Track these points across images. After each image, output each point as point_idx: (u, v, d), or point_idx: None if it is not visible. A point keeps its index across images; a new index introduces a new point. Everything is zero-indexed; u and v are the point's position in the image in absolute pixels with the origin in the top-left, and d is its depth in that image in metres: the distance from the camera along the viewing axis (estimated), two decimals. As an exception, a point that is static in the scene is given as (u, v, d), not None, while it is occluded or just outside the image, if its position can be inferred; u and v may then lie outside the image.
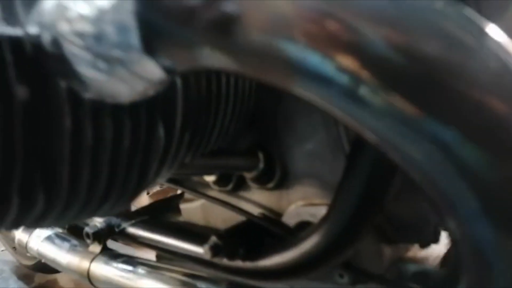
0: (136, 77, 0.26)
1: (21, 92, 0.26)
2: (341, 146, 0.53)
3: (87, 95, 0.30)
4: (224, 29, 0.18)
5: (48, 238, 0.88)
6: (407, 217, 0.54)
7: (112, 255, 0.77)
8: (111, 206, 0.39)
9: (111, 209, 0.39)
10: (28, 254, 0.93)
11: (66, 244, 0.84)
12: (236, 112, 0.50)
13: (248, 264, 0.58)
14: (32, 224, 0.34)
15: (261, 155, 0.59)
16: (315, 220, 0.57)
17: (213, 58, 0.20)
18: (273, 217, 0.63)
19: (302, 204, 0.60)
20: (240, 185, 0.66)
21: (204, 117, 0.45)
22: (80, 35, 0.25)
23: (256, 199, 0.65)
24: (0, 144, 0.26)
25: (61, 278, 1.63)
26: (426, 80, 0.16)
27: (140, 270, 0.72)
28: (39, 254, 0.88)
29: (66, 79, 0.28)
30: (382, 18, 0.16)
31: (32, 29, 0.27)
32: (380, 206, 0.44)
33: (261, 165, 0.59)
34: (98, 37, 0.25)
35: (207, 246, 0.57)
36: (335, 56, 0.16)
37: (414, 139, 0.18)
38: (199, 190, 0.69)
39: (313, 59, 0.17)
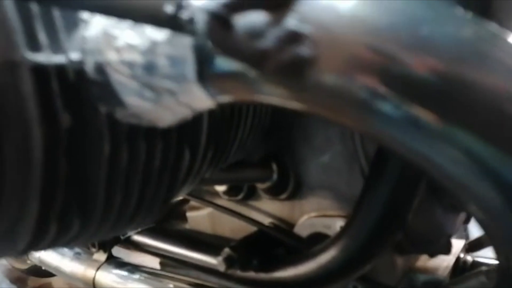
0: (183, 106, 0.27)
1: (65, 119, 0.27)
2: (357, 158, 0.54)
3: (127, 120, 0.30)
4: (296, 71, 0.19)
5: (49, 245, 0.87)
6: (422, 228, 0.55)
7: (117, 264, 0.77)
8: (139, 222, 0.39)
9: (139, 226, 0.40)
10: (28, 261, 0.92)
11: (70, 252, 0.84)
12: (254, 125, 0.50)
13: (261, 276, 0.58)
14: (64, 244, 0.34)
15: (274, 166, 0.60)
16: (329, 231, 0.58)
17: (276, 96, 0.21)
18: (285, 228, 0.64)
19: (316, 215, 0.61)
20: (250, 195, 0.66)
21: (226, 133, 0.46)
22: (128, 64, 0.26)
23: (267, 209, 0.66)
24: (45, 173, 0.26)
25: (55, 281, 1.62)
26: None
27: (146, 279, 0.72)
28: (41, 261, 0.88)
29: (108, 105, 0.29)
30: (460, 60, 0.17)
31: (75, 56, 0.27)
32: (402, 221, 0.45)
33: (275, 176, 0.60)
34: (148, 68, 0.25)
35: (220, 258, 0.58)
36: (415, 101, 0.17)
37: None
38: (207, 198, 0.69)
39: (392, 103, 0.18)
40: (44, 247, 0.32)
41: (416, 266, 0.65)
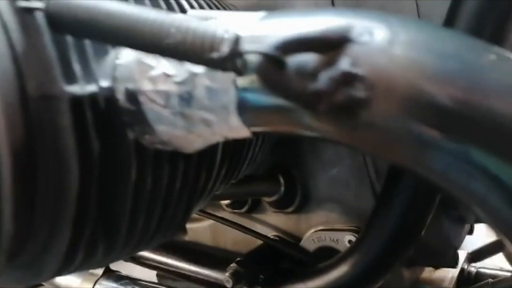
0: (217, 135, 0.27)
1: (97, 146, 0.27)
2: (367, 172, 0.55)
3: (153, 146, 0.30)
4: (348, 112, 0.19)
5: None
6: (431, 240, 0.56)
7: (115, 277, 0.77)
8: (157, 242, 0.39)
9: (156, 244, 0.40)
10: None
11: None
12: (265, 141, 0.51)
13: (270, 292, 0.59)
14: (85, 269, 0.34)
15: (282, 179, 0.60)
16: (338, 246, 0.59)
17: (323, 132, 0.22)
18: (291, 241, 0.64)
19: (323, 229, 0.61)
20: (254, 207, 0.67)
21: (239, 150, 0.46)
22: (163, 94, 0.26)
23: (272, 222, 0.67)
24: (78, 201, 0.26)
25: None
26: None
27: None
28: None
29: (137, 132, 0.29)
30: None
31: (105, 83, 0.27)
32: (415, 237, 0.47)
33: (282, 189, 0.60)
34: (185, 98, 0.25)
35: (227, 274, 0.58)
36: (474, 141, 0.18)
37: None
38: (210, 211, 0.70)
39: (446, 143, 0.18)
40: (68, 273, 0.32)
41: (422, 278, 0.66)
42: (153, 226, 0.36)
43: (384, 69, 0.19)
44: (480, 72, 0.18)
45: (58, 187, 0.25)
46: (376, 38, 0.19)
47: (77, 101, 0.25)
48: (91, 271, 0.79)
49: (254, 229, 0.65)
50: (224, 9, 0.43)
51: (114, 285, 0.76)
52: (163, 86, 0.26)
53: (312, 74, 0.20)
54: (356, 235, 0.57)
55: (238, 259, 0.60)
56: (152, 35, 0.21)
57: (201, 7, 0.36)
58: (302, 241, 0.63)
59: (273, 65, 0.19)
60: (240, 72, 0.20)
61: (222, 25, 0.20)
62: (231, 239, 0.72)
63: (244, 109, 0.24)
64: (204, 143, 0.29)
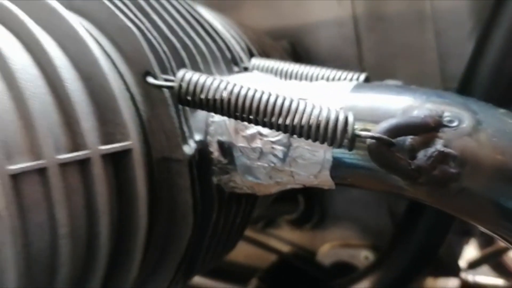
0: (298, 184, 0.33)
1: (198, 198, 0.31)
2: (385, 194, 0.61)
3: (231, 190, 0.35)
4: (442, 183, 0.25)
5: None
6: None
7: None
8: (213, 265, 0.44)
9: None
10: None
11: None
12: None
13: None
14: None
15: (301, 198, 0.66)
16: (354, 261, 0.65)
17: (414, 196, 0.27)
18: (306, 256, 0.70)
19: (338, 244, 0.68)
20: (270, 223, 0.72)
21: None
22: (257, 150, 0.31)
23: (287, 237, 0.72)
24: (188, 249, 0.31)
25: None
26: None
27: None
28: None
29: (222, 179, 0.34)
30: None
31: (199, 137, 0.32)
32: (433, 258, 0.53)
33: (301, 208, 0.66)
34: (280, 156, 0.30)
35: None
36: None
37: None
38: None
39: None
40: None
41: (426, 287, 0.74)
42: (216, 256, 0.41)
43: (473, 151, 0.25)
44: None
45: (173, 241, 0.30)
46: (463, 124, 0.25)
47: (190, 161, 0.29)
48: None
49: (269, 243, 0.70)
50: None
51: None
52: (258, 144, 0.31)
53: (411, 152, 0.25)
54: (372, 251, 0.64)
55: (259, 274, 0.65)
56: (277, 116, 0.26)
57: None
58: (318, 256, 0.69)
59: (383, 145, 0.25)
60: (351, 148, 0.26)
61: (335, 109, 0.26)
62: (242, 253, 0.77)
63: (338, 168, 0.29)
64: (281, 189, 0.34)
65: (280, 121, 0.26)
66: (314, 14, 0.61)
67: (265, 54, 0.52)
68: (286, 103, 0.26)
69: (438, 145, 0.25)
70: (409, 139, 0.25)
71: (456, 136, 0.25)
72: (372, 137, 0.25)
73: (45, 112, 0.24)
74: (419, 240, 0.53)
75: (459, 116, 0.26)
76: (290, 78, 0.36)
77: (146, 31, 0.30)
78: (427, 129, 0.25)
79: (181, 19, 0.37)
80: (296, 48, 0.63)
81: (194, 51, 0.34)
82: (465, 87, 0.47)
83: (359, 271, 0.61)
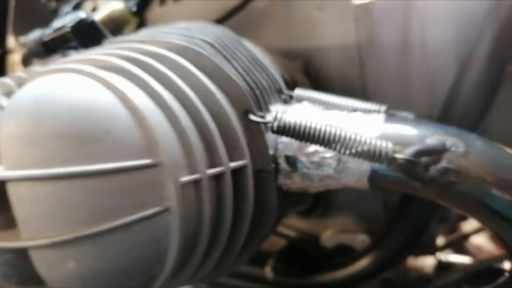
0: (340, 185, 0.47)
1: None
2: (379, 189, 0.77)
3: (287, 189, 0.49)
4: (446, 187, 0.40)
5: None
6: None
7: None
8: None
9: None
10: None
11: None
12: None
13: (299, 281, 0.80)
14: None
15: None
16: (352, 243, 0.81)
17: (427, 195, 0.42)
18: (311, 240, 0.86)
19: (338, 230, 0.83)
20: (279, 213, 0.87)
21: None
22: (315, 163, 0.45)
23: (294, 224, 0.87)
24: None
25: None
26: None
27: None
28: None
29: (285, 183, 0.48)
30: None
31: (271, 152, 0.46)
32: (420, 239, 0.70)
33: (310, 200, 0.81)
34: (332, 168, 0.45)
35: (268, 268, 0.78)
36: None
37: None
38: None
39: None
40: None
41: (408, 265, 0.91)
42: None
43: (465, 167, 0.40)
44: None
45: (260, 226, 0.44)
46: (459, 149, 0.40)
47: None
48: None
49: (278, 230, 0.85)
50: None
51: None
52: (316, 158, 0.45)
53: (426, 167, 0.40)
54: (367, 235, 0.80)
55: (274, 255, 0.80)
56: (346, 145, 0.40)
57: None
58: (322, 240, 0.84)
59: (410, 163, 0.40)
60: (389, 165, 0.41)
61: (379, 139, 0.40)
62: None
63: (374, 176, 0.44)
64: (326, 188, 0.49)
65: (342, 149, 0.41)
66: (325, 38, 0.75)
67: (291, 76, 0.66)
68: (347, 135, 0.40)
69: (443, 163, 0.40)
70: (424, 159, 0.40)
71: (454, 157, 0.40)
72: (404, 159, 0.39)
73: (195, 139, 0.38)
74: (408, 226, 0.69)
75: (456, 143, 0.41)
76: (330, 108, 0.51)
77: (241, 78, 0.43)
78: (436, 153, 0.40)
79: (247, 62, 0.50)
80: (308, 67, 0.77)
81: (261, 88, 0.48)
82: (448, 110, 0.62)
83: (357, 252, 0.77)
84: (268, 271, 0.78)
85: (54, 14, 1.04)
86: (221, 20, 0.76)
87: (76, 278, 0.37)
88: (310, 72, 0.76)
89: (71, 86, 0.36)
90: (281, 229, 0.87)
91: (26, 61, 0.56)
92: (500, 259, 0.81)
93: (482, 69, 0.60)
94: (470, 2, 0.63)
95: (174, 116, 0.37)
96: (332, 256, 0.83)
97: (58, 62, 0.45)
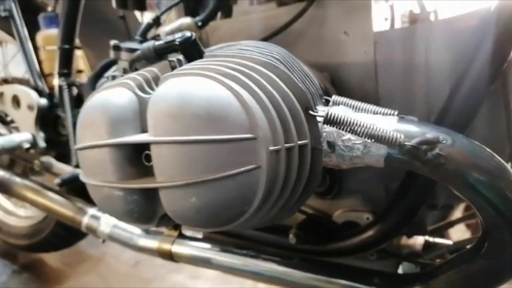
0: (362, 164, 0.68)
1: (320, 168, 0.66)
2: (383, 176, 0.98)
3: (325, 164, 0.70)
4: (438, 167, 0.61)
5: (116, 225, 1.21)
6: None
7: (189, 238, 1.14)
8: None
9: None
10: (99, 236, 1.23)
11: (138, 231, 1.18)
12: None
13: (317, 247, 1.00)
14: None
15: (327, 177, 1.02)
16: (359, 220, 1.02)
17: (424, 172, 0.63)
18: (325, 217, 1.06)
19: (348, 209, 1.04)
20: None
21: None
22: (348, 147, 0.66)
23: (312, 204, 1.08)
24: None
25: (48, 257, 1.87)
26: None
27: (217, 247, 1.10)
28: (110, 237, 1.20)
29: (326, 161, 0.68)
30: None
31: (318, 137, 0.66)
32: (414, 218, 0.90)
33: (328, 183, 1.02)
34: (360, 150, 0.65)
35: (291, 235, 0.99)
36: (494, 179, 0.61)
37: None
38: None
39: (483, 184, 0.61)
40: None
41: (400, 243, 1.12)
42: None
43: (452, 154, 0.61)
44: (479, 156, 0.61)
45: (310, 183, 0.64)
46: (448, 142, 0.61)
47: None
48: (166, 233, 1.16)
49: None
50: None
51: (192, 242, 1.13)
52: (349, 144, 0.66)
53: (425, 152, 0.61)
54: (371, 214, 1.01)
55: (296, 226, 1.00)
56: (372, 135, 0.60)
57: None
58: (334, 217, 1.05)
59: (415, 149, 0.60)
60: (400, 149, 0.61)
61: (394, 132, 0.61)
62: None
63: (388, 157, 0.64)
64: (352, 166, 0.69)
65: (369, 137, 0.61)
66: (349, 57, 0.96)
67: (323, 84, 0.87)
68: (374, 128, 0.61)
69: (437, 150, 0.61)
70: (424, 147, 0.61)
71: (444, 147, 0.61)
72: (411, 146, 0.60)
73: (277, 123, 0.58)
74: (404, 208, 0.89)
75: (446, 138, 0.61)
76: (359, 111, 0.71)
77: (302, 84, 0.64)
78: (432, 143, 0.61)
79: (301, 73, 0.71)
80: (334, 78, 0.98)
81: (312, 92, 0.69)
82: (442, 117, 0.83)
83: (364, 225, 0.97)
84: (291, 238, 0.98)
85: (122, 19, 1.24)
86: (267, 38, 0.97)
87: (194, 209, 0.57)
88: (335, 82, 0.97)
89: (202, 84, 0.57)
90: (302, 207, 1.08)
91: (133, 63, 0.76)
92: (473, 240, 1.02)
93: (470, 86, 0.81)
94: (464, 33, 0.84)
95: (266, 107, 0.57)
96: (342, 230, 1.03)
97: (183, 68, 0.65)
